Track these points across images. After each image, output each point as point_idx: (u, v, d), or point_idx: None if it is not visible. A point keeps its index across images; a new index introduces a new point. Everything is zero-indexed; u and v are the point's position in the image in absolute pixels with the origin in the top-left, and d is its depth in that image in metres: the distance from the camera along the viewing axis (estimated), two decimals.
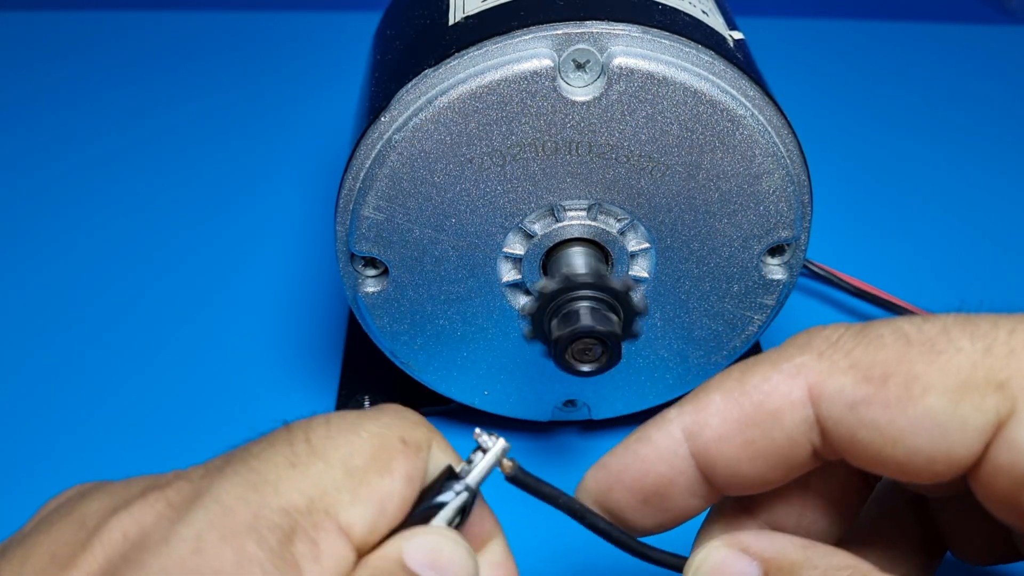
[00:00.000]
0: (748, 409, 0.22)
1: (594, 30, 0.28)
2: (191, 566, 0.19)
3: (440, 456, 0.23)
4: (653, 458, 0.23)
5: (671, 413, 0.23)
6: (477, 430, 0.22)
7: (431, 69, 0.29)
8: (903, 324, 0.22)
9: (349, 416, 0.23)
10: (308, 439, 0.22)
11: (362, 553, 0.22)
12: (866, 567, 0.21)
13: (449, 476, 0.22)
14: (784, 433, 0.22)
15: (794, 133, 0.31)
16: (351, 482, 0.22)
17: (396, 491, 0.22)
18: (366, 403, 0.38)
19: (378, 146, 0.30)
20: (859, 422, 0.21)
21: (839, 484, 0.25)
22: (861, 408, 0.21)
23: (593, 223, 0.31)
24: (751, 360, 0.23)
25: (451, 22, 0.31)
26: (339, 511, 0.22)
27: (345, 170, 0.31)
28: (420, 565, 0.23)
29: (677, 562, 0.23)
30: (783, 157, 0.30)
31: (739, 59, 0.30)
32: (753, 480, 0.23)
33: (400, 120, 0.29)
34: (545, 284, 0.28)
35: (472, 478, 0.22)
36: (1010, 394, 0.20)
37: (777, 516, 0.25)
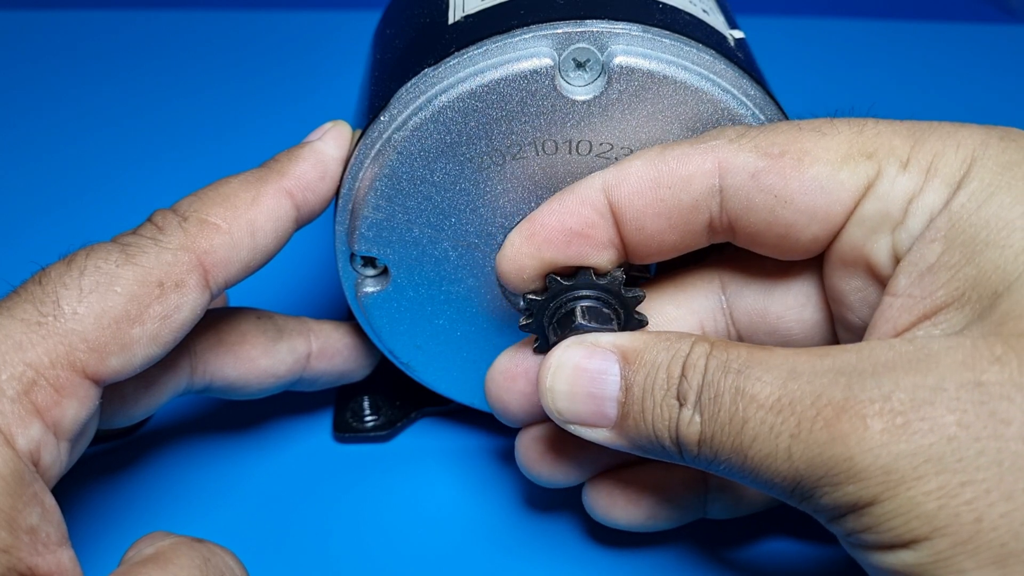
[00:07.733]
0: (664, 172, 0.26)
1: (594, 29, 0.28)
2: None
3: (201, 291, 0.27)
4: (577, 203, 0.27)
5: (595, 173, 0.27)
6: None
7: (431, 68, 0.29)
8: (796, 120, 0.27)
9: (106, 267, 0.26)
10: (58, 301, 0.25)
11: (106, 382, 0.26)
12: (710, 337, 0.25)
13: None
14: (691, 196, 0.26)
15: None
16: (100, 337, 0.25)
17: (147, 335, 0.26)
18: (365, 403, 0.38)
19: (377, 145, 0.30)
20: (757, 187, 0.26)
21: None
22: (761, 175, 0.26)
23: None
24: (672, 141, 0.28)
25: (451, 21, 0.31)
26: (86, 365, 0.25)
27: (344, 169, 0.31)
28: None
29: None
30: None
31: (740, 58, 0.30)
32: (652, 237, 0.27)
33: (400, 119, 0.29)
34: (533, 296, 0.28)
35: None
36: (877, 161, 0.25)
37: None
